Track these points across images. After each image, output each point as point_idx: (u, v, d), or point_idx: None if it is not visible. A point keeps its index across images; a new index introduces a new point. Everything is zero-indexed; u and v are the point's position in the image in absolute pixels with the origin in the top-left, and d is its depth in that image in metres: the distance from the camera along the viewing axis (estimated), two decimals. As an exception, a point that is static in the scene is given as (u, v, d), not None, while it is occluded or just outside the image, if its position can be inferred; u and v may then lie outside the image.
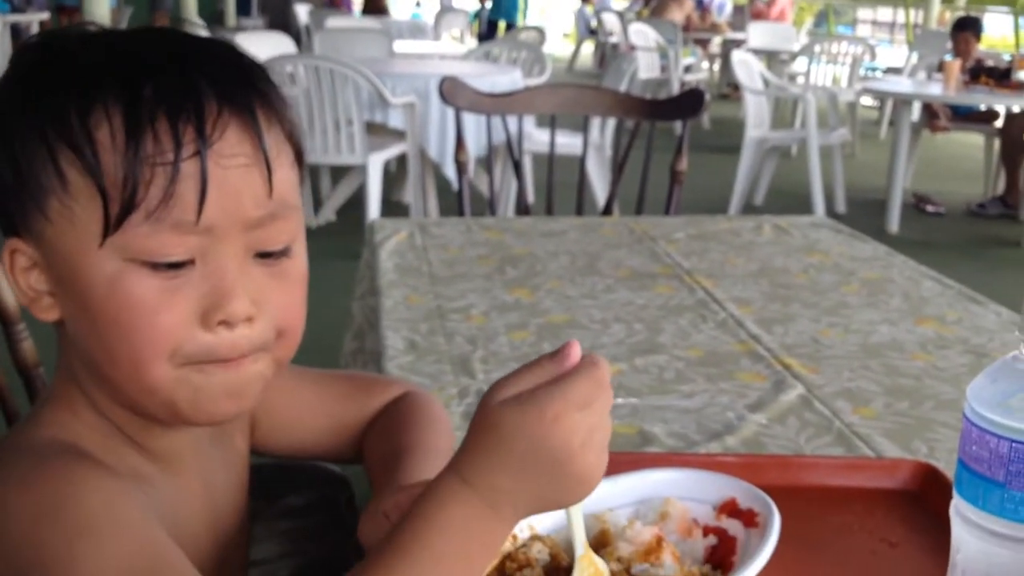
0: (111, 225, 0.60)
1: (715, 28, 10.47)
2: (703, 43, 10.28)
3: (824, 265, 1.59)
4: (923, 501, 0.84)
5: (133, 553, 0.57)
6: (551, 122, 2.33)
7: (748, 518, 0.73)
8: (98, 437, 0.66)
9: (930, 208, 5.62)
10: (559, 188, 2.35)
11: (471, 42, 11.10)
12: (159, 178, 0.59)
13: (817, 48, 7.02)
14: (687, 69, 9.02)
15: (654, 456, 0.91)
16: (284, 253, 0.66)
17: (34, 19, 7.91)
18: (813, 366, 1.16)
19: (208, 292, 0.62)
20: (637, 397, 1.06)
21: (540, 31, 8.28)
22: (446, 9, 12.07)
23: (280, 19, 11.41)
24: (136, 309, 0.61)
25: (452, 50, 7.73)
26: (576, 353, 0.59)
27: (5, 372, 1.34)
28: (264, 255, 0.64)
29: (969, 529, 0.60)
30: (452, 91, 2.26)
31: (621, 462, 0.83)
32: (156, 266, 0.61)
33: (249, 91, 0.63)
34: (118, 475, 0.63)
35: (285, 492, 1.28)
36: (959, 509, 0.60)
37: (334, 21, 8.00)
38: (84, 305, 0.63)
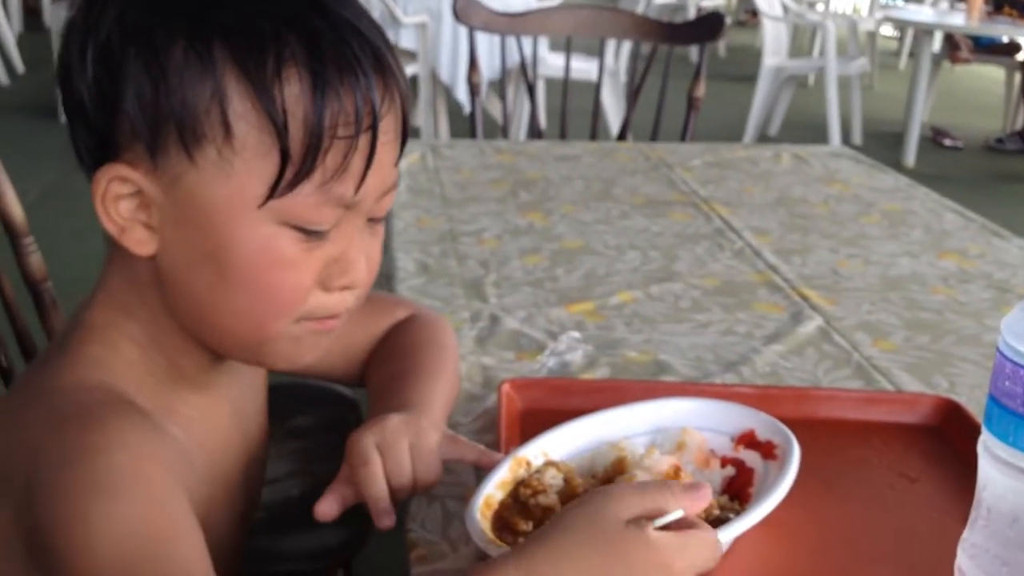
0: (280, 189, 0.58)
1: (734, -49, 10.21)
2: (721, -33, 10.04)
3: (844, 196, 1.56)
4: (944, 436, 0.82)
5: (146, 518, 0.56)
6: (567, 44, 2.28)
7: (767, 450, 0.72)
8: (137, 374, 0.64)
9: (947, 142, 5.54)
10: (572, 114, 2.30)
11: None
12: (336, 150, 0.58)
13: (838, -26, 6.86)
14: (704, -6, 8.83)
15: (669, 385, 0.89)
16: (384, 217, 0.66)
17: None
18: (832, 298, 1.14)
19: (337, 258, 0.63)
20: (652, 326, 1.04)
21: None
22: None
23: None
24: (282, 271, 0.61)
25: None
26: (707, 497, 0.59)
27: (13, 285, 1.33)
28: (371, 220, 0.65)
29: (998, 467, 0.58)
30: (466, 9, 2.20)
31: (636, 390, 0.82)
32: (307, 232, 0.60)
33: (397, 68, 0.62)
34: (151, 421, 0.61)
35: (295, 413, 1.28)
36: (988, 446, 0.59)
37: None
38: (216, 256, 0.61)
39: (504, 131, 2.36)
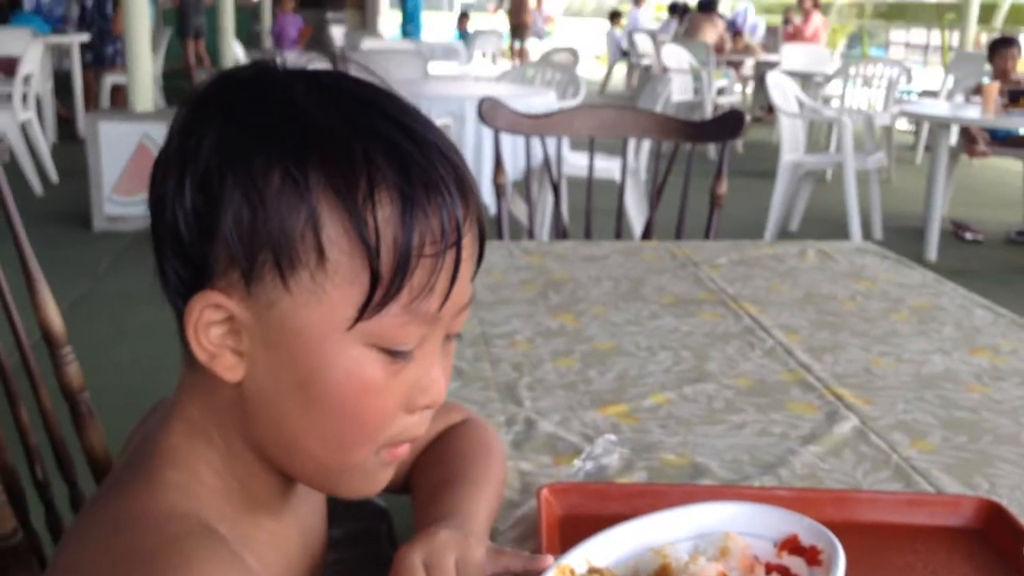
0: (369, 310, 0.59)
1: (748, 50, 10.44)
2: (736, 65, 10.26)
3: (872, 292, 1.57)
4: (988, 539, 0.82)
5: None
6: (590, 144, 2.33)
7: (811, 555, 0.71)
8: (217, 502, 0.65)
9: (968, 235, 5.55)
10: (595, 213, 2.34)
11: (503, 63, 11.15)
12: (423, 269, 0.60)
13: (852, 70, 6.98)
14: (720, 91, 9.01)
15: (709, 489, 0.89)
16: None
17: (74, 40, 8.02)
18: (866, 397, 1.14)
19: (420, 377, 0.63)
20: (687, 428, 1.05)
21: (573, 53, 8.29)
22: (479, 32, 12.14)
23: (315, 40, 11.52)
24: (370, 396, 0.62)
25: (485, 71, 7.77)
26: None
27: (51, 396, 1.35)
28: (448, 336, 0.66)
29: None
30: (491, 112, 2.26)
31: (676, 494, 0.82)
32: (393, 353, 0.61)
33: (475, 187, 0.64)
34: (233, 553, 0.61)
35: (328, 523, 1.28)
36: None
37: (369, 43, 8.06)
38: (305, 380, 0.61)
39: (530, 232, 2.40)
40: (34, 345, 1.35)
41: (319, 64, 0.65)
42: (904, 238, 5.34)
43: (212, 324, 0.62)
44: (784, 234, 5.30)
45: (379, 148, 0.59)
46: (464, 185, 0.62)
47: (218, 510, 0.64)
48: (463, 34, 14.90)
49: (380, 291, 0.59)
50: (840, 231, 5.09)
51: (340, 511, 1.25)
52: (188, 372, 0.66)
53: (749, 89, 11.39)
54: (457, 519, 0.75)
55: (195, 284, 0.62)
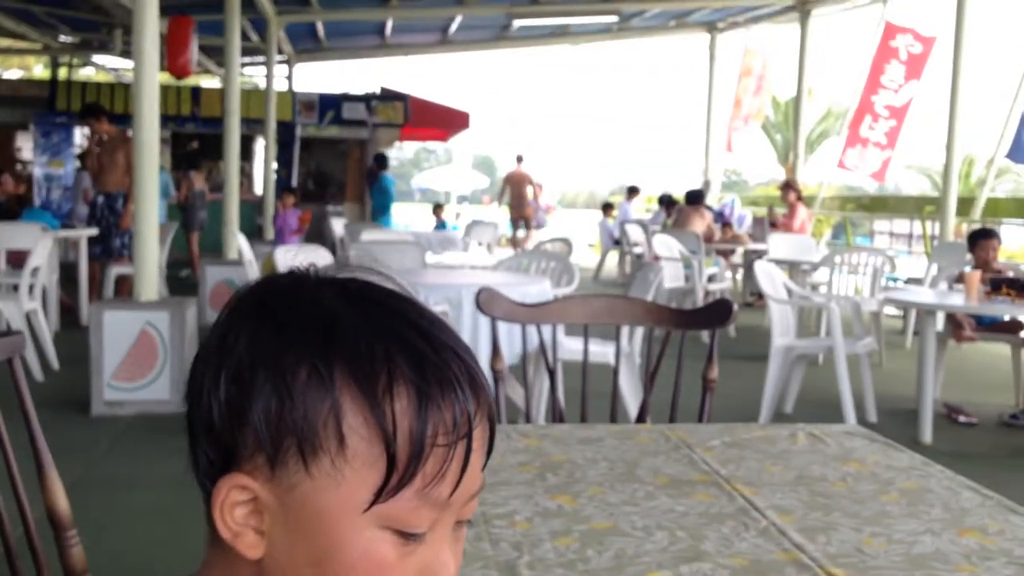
0: (385, 494, 0.64)
1: (736, 239, 10.77)
2: (725, 254, 10.56)
3: (861, 474, 1.60)
4: None
5: None
6: (584, 331, 2.41)
7: None
8: None
9: (962, 419, 5.59)
10: (589, 396, 2.39)
11: (500, 252, 11.46)
12: (436, 457, 0.65)
13: (838, 259, 7.19)
14: (710, 278, 9.23)
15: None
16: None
17: (83, 234, 8.27)
18: None
19: (431, 561, 0.67)
20: (684, 606, 1.06)
21: (567, 242, 8.56)
22: (475, 222, 12.53)
23: (316, 232, 11.87)
24: (385, 575, 0.65)
25: (482, 260, 7.98)
26: None
27: (54, 577, 1.36)
28: (458, 523, 0.70)
29: None
30: (489, 301, 2.35)
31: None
32: (406, 535, 0.66)
33: (486, 384, 0.69)
34: None
35: None
36: None
37: (368, 234, 8.32)
38: (322, 558, 0.65)
39: (527, 415, 2.44)
40: (38, 527, 1.38)
41: (347, 273, 0.72)
42: (898, 421, 5.38)
43: (237, 504, 0.66)
44: (779, 416, 5.34)
45: (398, 348, 0.66)
46: (476, 383, 0.68)
47: None
48: (441, 224, 15.43)
49: (396, 476, 0.64)
50: (835, 413, 5.13)
51: None
52: (211, 549, 0.70)
53: (739, 276, 11.68)
54: None
55: (223, 467, 0.67)
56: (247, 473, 0.66)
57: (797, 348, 5.47)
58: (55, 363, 6.24)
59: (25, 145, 16.85)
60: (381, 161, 13.77)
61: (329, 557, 0.65)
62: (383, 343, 0.66)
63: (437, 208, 16.33)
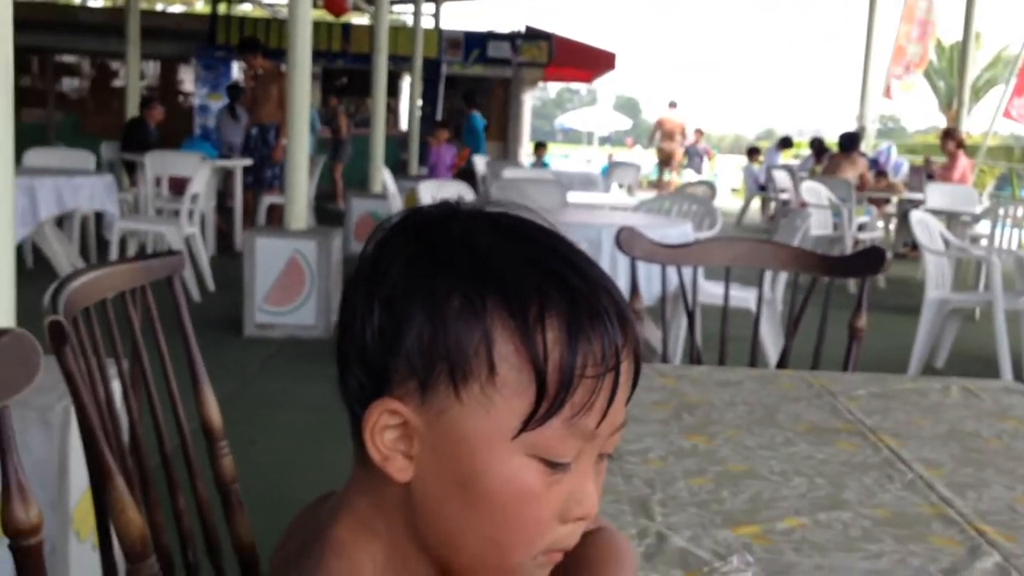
0: (533, 422, 0.65)
1: (891, 188, 10.32)
2: (878, 202, 10.14)
3: (1019, 432, 1.52)
4: None
5: None
6: (726, 274, 2.35)
7: None
8: None
9: None
10: (729, 341, 2.34)
11: (641, 194, 11.34)
12: (584, 388, 0.66)
13: (1001, 211, 6.81)
14: (861, 227, 8.90)
15: (843, 613, 0.88)
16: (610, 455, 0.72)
17: (238, 164, 8.59)
18: (1010, 535, 1.10)
19: (575, 490, 0.68)
20: (822, 553, 1.04)
21: (711, 186, 8.39)
22: (616, 163, 12.42)
23: (465, 171, 11.96)
24: (530, 503, 0.67)
25: (622, 201, 7.92)
26: None
27: (205, 486, 1.43)
28: (600, 456, 0.71)
29: None
30: (629, 241, 2.32)
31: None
32: (552, 464, 0.67)
33: (633, 321, 0.70)
34: None
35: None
36: None
37: (510, 172, 8.35)
38: (469, 483, 0.67)
39: (664, 356, 2.42)
40: (193, 437, 1.45)
41: (495, 208, 0.72)
42: (1058, 384, 5.09)
43: (387, 428, 0.68)
44: (929, 371, 5.13)
45: (550, 280, 0.66)
46: (624, 318, 0.68)
47: None
48: (543, 163, 15.03)
49: (544, 405, 0.65)
50: (989, 370, 4.90)
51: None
52: (359, 470, 0.72)
53: (892, 226, 11.21)
54: None
55: (374, 392, 0.68)
56: (398, 398, 0.67)
57: (952, 301, 5.23)
58: (211, 286, 6.55)
59: (186, 77, 17.55)
60: (470, 99, 13.13)
61: (476, 483, 0.66)
62: (534, 275, 0.66)
63: (539, 147, 15.95)
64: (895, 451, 1.39)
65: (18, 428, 2.06)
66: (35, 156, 6.81)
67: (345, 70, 16.57)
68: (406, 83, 16.20)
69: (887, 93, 14.66)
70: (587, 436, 0.67)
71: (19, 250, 6.65)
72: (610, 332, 0.66)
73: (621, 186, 11.50)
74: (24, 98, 16.61)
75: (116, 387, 1.40)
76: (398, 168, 12.86)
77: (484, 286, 0.65)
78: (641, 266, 2.34)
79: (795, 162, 14.94)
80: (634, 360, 0.69)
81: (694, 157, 16.92)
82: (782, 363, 2.31)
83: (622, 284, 4.46)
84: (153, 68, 17.46)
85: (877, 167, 11.17)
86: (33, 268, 6.70)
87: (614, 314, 0.67)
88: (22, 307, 2.33)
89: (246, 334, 5.39)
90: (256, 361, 4.93)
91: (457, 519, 0.68)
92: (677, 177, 16.51)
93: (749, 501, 1.18)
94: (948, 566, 1.02)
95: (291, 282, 5.38)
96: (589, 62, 18.10)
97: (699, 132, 16.84)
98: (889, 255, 2.29)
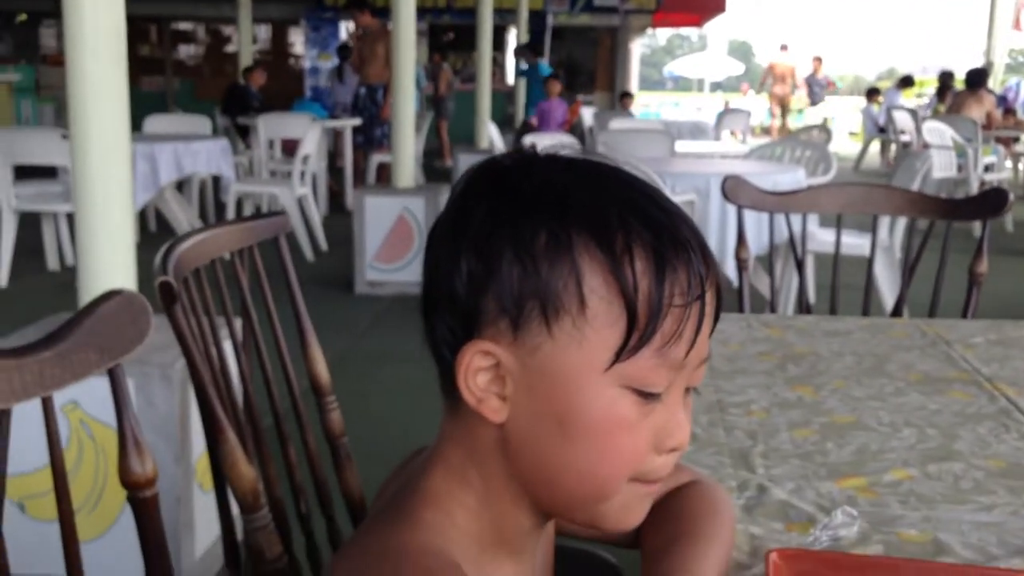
0: (625, 353, 0.66)
1: (1019, 126, 9.82)
2: (1006, 141, 9.67)
3: None
4: None
5: None
6: (837, 222, 2.28)
7: (1059, 641, 0.67)
8: (466, 541, 0.71)
9: None
10: (844, 290, 2.28)
11: (753, 141, 11.07)
12: (672, 317, 0.67)
13: None
14: (987, 168, 8.51)
15: (949, 567, 0.86)
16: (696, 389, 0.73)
17: (347, 124, 8.72)
18: None
19: (667, 421, 0.70)
20: (929, 505, 1.01)
21: (826, 130, 8.12)
22: (728, 110, 12.14)
23: (574, 125, 11.85)
24: (625, 433, 0.68)
25: (733, 149, 7.74)
26: None
27: (315, 439, 1.47)
28: (687, 389, 0.72)
29: None
30: (734, 189, 2.27)
31: (912, 570, 0.80)
32: (644, 395, 0.68)
33: (711, 251, 0.71)
34: None
35: (559, 575, 1.31)
36: None
37: (617, 123, 8.25)
38: (564, 419, 0.68)
39: (772, 306, 2.37)
40: (302, 393, 1.49)
41: (569, 153, 0.74)
42: None
43: (480, 370, 0.69)
44: (1058, 320, 4.90)
45: (632, 212, 0.67)
46: (705, 248, 0.69)
47: (465, 550, 0.70)
48: (627, 113, 14.20)
49: (636, 335, 0.65)
50: (1125, 319, 4.65)
51: (572, 563, 1.29)
52: (449, 420, 0.74)
53: (1021, 166, 10.68)
54: (686, 574, 0.77)
55: (465, 336, 0.69)
56: (489, 339, 0.68)
57: (1084, 244, 4.96)
58: (324, 245, 6.70)
59: (296, 40, 17.87)
60: (536, 47, 12.32)
61: (572, 417, 0.67)
62: (617, 208, 0.67)
63: (624, 97, 15.12)
64: (1012, 400, 1.34)
65: (141, 384, 2.17)
66: (154, 122, 7.05)
67: (451, 25, 16.60)
68: (512, 36, 16.14)
69: (1016, 25, 13.88)
70: (676, 366, 0.68)
71: (142, 215, 6.95)
72: (694, 262, 0.67)
73: (733, 134, 11.24)
74: (143, 66, 17.21)
75: (228, 347, 1.45)
76: (505, 123, 12.86)
77: (569, 222, 0.66)
78: (751, 215, 2.29)
79: (919, 102, 14.33)
80: (716, 292, 0.70)
81: (815, 89, 16.28)
82: (896, 311, 2.24)
83: (731, 234, 4.39)
84: (264, 32, 17.84)
85: (1005, 104, 10.65)
86: (156, 232, 6.97)
87: (696, 244, 0.68)
88: (146, 270, 2.43)
89: (357, 292, 5.51)
90: (367, 318, 5.04)
91: (554, 456, 0.69)
92: (790, 122, 16.05)
93: (855, 453, 1.15)
94: (1066, 520, 0.97)
95: (400, 239, 5.46)
96: (698, 6, 17.69)
97: (818, 60, 16.19)
98: (1012, 196, 2.19)
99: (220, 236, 1.47)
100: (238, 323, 1.46)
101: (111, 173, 2.26)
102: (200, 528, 2.18)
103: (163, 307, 1.16)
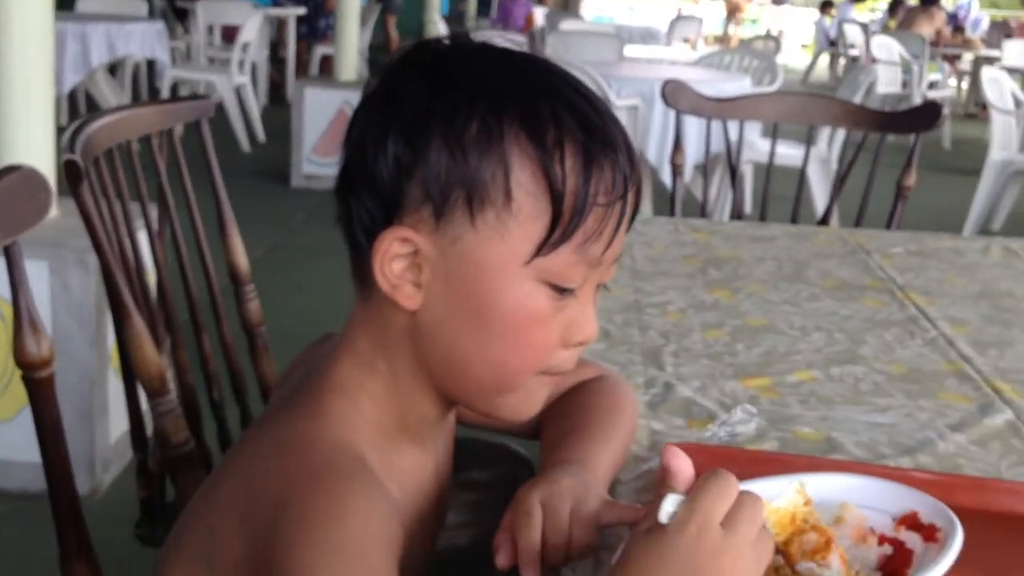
0: (547, 247, 0.66)
1: (967, 44, 9.87)
2: (952, 59, 9.72)
3: (1056, 293, 1.48)
4: None
5: None
6: (773, 130, 2.28)
7: (928, 533, 0.70)
8: (372, 431, 0.70)
9: None
10: (780, 200, 2.29)
11: (704, 49, 10.98)
12: (595, 215, 0.66)
13: (1081, 69, 6.49)
14: (932, 85, 8.56)
15: (836, 463, 0.88)
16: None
17: (291, 13, 8.46)
18: (1027, 394, 1.09)
19: (578, 316, 0.70)
20: (828, 406, 1.03)
21: (776, 40, 8.08)
22: (680, 17, 12.00)
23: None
24: (538, 326, 0.68)
25: (683, 56, 7.68)
26: (677, 464, 0.66)
27: (232, 329, 1.46)
28: (599, 285, 0.72)
29: None
30: (674, 93, 2.25)
31: (800, 465, 0.82)
32: (560, 290, 0.68)
33: (636, 152, 0.71)
34: (379, 484, 0.66)
35: (471, 466, 1.33)
36: None
37: (567, 24, 8.12)
38: (480, 309, 0.68)
39: (703, 212, 2.38)
40: (224, 289, 1.47)
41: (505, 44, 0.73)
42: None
43: (397, 257, 0.68)
44: (985, 233, 5.01)
45: (565, 108, 0.67)
46: (631, 149, 0.69)
47: (371, 439, 0.70)
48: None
49: (559, 231, 0.65)
50: (1049, 237, 4.77)
51: (484, 455, 1.30)
52: (360, 306, 0.73)
53: (965, 84, 10.78)
54: (579, 467, 0.79)
55: (384, 222, 0.68)
56: (410, 226, 0.67)
57: (1016, 163, 5.04)
58: (261, 136, 6.56)
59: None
60: None
61: (488, 308, 0.67)
62: (550, 103, 0.66)
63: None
64: (921, 308, 1.37)
65: (57, 268, 2.12)
66: (88, 1, 6.77)
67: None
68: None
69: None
70: (593, 263, 0.68)
71: (71, 97, 6.72)
72: (621, 161, 0.67)
73: (685, 41, 11.13)
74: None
75: (143, 234, 1.42)
76: (454, 19, 12.58)
77: (502, 114, 0.66)
78: (694, 122, 2.28)
79: (872, 17, 14.30)
80: (636, 191, 0.70)
81: None
82: (824, 220, 2.27)
83: (670, 139, 4.36)
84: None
85: (955, 22, 10.67)
86: (85, 115, 6.76)
87: (623, 144, 0.68)
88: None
89: (293, 185, 5.42)
90: (302, 211, 4.97)
91: (466, 345, 0.69)
92: (742, 32, 15.93)
93: (763, 355, 1.17)
94: (956, 421, 1.01)
95: (340, 133, 5.33)
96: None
97: None
98: (945, 111, 2.20)
99: (137, 116, 1.43)
100: (154, 210, 1.43)
101: (32, 51, 2.17)
102: (115, 413, 2.17)
103: (68, 187, 1.13)
